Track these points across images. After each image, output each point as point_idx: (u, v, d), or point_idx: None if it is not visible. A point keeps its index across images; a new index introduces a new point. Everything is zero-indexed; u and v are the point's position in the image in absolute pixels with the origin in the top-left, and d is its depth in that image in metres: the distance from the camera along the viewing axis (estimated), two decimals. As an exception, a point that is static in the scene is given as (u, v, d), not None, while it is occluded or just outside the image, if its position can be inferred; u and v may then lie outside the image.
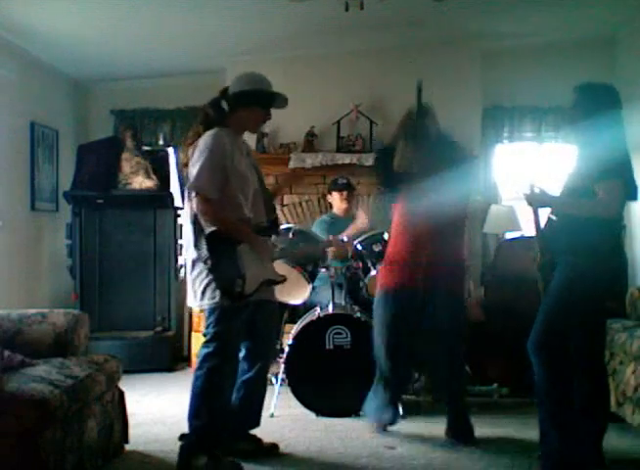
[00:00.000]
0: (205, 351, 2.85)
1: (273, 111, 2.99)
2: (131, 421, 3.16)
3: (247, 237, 2.82)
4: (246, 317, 2.91)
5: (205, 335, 2.88)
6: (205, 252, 2.72)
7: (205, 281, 2.79)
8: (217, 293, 2.77)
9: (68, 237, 5.31)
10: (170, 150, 5.76)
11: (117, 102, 5.86)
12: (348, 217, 4.49)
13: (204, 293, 2.81)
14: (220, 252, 2.73)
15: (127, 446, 3.11)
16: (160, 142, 5.89)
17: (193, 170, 2.78)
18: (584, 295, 2.70)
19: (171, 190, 5.38)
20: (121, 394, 3.12)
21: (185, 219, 2.92)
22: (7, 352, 2.66)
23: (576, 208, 2.74)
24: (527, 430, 2.95)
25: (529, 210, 2.91)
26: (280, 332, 4.24)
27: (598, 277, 2.70)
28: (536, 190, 2.83)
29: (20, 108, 4.97)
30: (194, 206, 2.79)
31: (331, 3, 3.88)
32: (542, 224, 2.91)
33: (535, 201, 2.84)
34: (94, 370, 2.80)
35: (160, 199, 5.19)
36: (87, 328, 3.17)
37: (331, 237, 4.03)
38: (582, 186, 2.71)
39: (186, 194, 2.90)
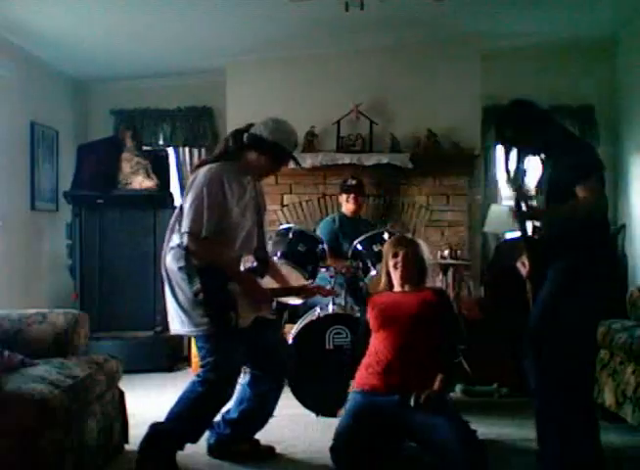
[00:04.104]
0: (207, 376, 2.80)
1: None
2: (131, 421, 3.16)
3: (236, 275, 2.84)
4: (246, 339, 2.85)
5: (202, 365, 2.82)
6: (197, 285, 2.71)
7: (196, 306, 2.74)
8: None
9: (68, 237, 5.31)
10: (170, 150, 5.78)
11: (117, 102, 5.86)
12: (356, 218, 4.53)
13: (194, 318, 2.75)
14: (213, 286, 2.72)
15: (127, 446, 3.10)
16: (160, 142, 5.88)
17: (188, 209, 2.76)
18: (581, 294, 2.69)
19: (171, 190, 5.40)
20: (121, 394, 3.12)
21: (170, 247, 2.84)
22: (7, 352, 2.65)
23: (568, 213, 2.72)
24: (527, 430, 2.95)
25: (516, 223, 2.84)
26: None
27: (594, 276, 2.69)
28: (523, 207, 2.75)
29: (20, 108, 4.97)
30: (184, 241, 2.76)
31: (331, 3, 3.88)
32: (529, 233, 2.88)
33: (524, 216, 2.78)
34: (94, 370, 2.79)
35: (159, 199, 5.19)
36: (87, 328, 3.17)
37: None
38: (560, 189, 2.69)
39: (176, 228, 2.85)
